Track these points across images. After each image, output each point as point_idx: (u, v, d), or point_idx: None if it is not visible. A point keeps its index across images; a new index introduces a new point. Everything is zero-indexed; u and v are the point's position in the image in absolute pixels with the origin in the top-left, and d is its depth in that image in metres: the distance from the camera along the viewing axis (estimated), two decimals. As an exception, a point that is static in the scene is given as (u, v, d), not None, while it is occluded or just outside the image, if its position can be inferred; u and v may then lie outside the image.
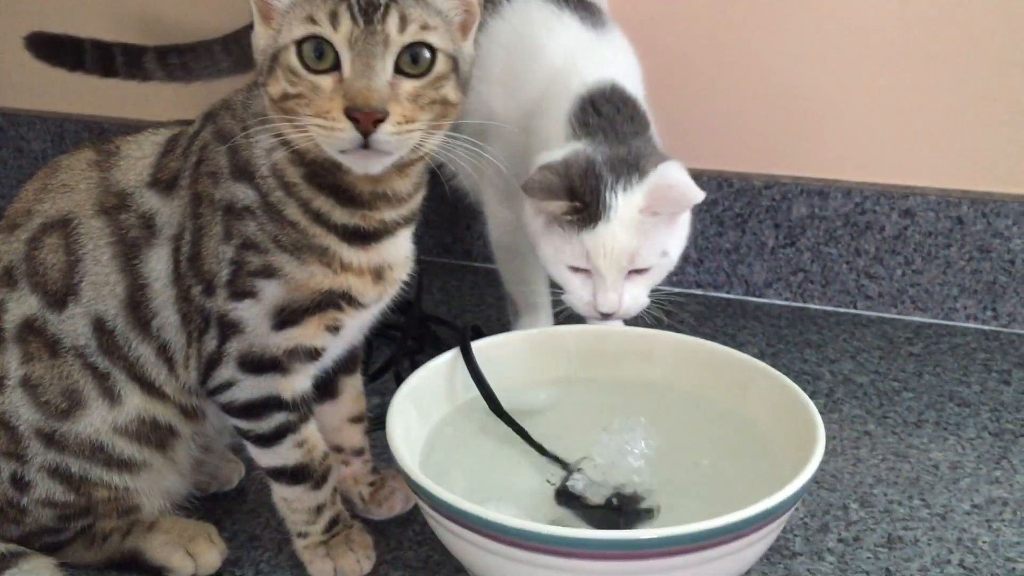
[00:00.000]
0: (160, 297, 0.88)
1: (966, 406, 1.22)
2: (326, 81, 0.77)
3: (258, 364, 0.87)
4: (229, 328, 0.86)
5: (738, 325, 1.42)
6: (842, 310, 1.46)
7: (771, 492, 0.79)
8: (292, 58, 0.78)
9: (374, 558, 0.95)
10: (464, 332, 1.03)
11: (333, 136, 0.77)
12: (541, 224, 1.11)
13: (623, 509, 0.88)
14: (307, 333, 0.87)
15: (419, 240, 0.93)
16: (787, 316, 1.45)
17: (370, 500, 1.02)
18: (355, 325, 0.91)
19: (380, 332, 1.33)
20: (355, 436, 1.01)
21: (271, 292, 0.85)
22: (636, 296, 1.10)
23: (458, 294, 1.54)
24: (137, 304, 0.89)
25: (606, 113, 1.13)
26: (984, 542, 0.99)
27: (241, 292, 0.85)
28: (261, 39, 0.82)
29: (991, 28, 1.33)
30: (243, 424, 0.90)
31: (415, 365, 1.01)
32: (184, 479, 0.97)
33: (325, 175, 0.84)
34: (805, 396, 0.93)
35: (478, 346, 1.02)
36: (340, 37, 0.77)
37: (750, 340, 1.38)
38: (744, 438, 0.97)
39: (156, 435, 0.92)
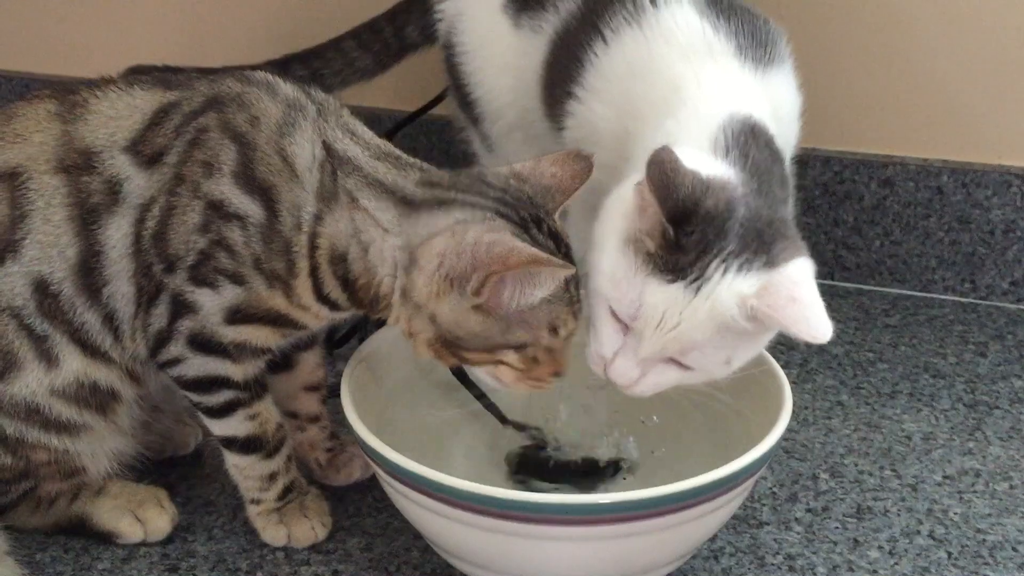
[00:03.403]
0: (115, 266, 0.85)
1: (941, 377, 1.20)
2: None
3: (207, 345, 0.85)
4: (183, 307, 0.84)
5: (713, 295, 1.40)
6: (819, 281, 1.43)
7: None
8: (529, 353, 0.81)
9: (330, 525, 0.93)
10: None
11: (534, 388, 0.83)
12: (617, 234, 0.82)
13: (584, 474, 0.86)
14: (259, 335, 0.86)
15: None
16: (763, 287, 1.43)
17: (328, 466, 0.99)
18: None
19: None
20: (310, 404, 0.98)
21: (232, 292, 0.83)
22: (660, 384, 0.83)
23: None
24: (90, 270, 0.85)
25: (762, 150, 0.86)
26: (955, 513, 0.97)
27: (203, 281, 0.83)
28: (469, 321, 0.79)
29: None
30: (193, 397, 0.88)
31: (380, 330, 0.98)
32: (130, 440, 0.94)
33: (353, 280, 0.82)
34: (774, 362, 0.91)
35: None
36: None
37: (725, 310, 1.35)
38: (713, 405, 0.94)
39: (95, 399, 0.89)
